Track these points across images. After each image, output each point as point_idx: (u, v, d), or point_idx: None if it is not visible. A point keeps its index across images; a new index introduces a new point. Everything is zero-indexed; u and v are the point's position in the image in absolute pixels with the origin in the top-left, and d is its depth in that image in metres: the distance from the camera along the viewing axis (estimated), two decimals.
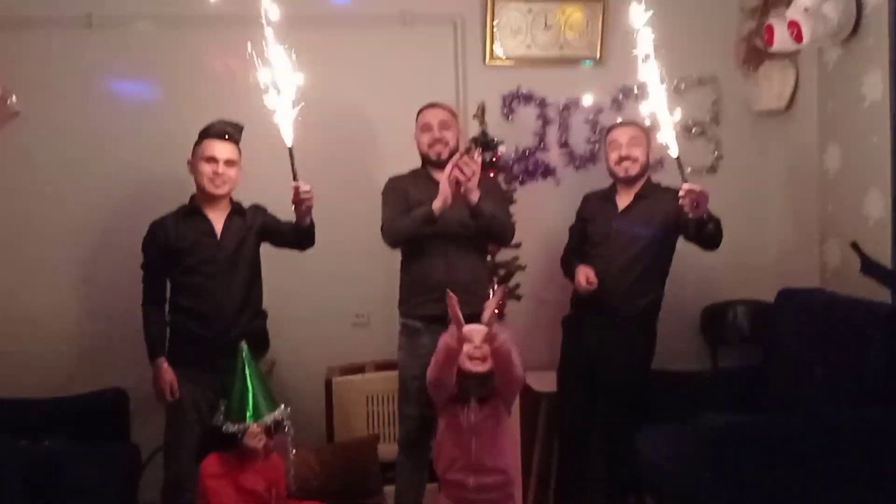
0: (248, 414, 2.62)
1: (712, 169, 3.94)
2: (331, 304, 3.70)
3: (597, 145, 3.83)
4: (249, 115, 2.82)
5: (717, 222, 2.83)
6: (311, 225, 2.89)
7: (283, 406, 2.70)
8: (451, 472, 2.67)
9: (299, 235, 2.93)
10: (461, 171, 2.77)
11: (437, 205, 2.84)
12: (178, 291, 2.90)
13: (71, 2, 3.50)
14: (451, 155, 2.94)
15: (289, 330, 3.48)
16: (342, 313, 3.72)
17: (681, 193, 2.69)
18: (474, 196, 2.83)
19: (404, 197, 3.03)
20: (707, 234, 2.85)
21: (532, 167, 3.83)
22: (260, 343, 2.95)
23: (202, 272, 2.86)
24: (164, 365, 2.82)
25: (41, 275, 3.55)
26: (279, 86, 2.49)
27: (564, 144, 3.85)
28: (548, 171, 3.85)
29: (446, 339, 2.64)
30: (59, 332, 3.55)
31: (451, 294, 2.62)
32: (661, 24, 2.63)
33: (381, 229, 3.03)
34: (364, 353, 3.64)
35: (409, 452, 3.05)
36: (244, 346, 2.68)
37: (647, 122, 2.91)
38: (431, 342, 2.90)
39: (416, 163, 3.16)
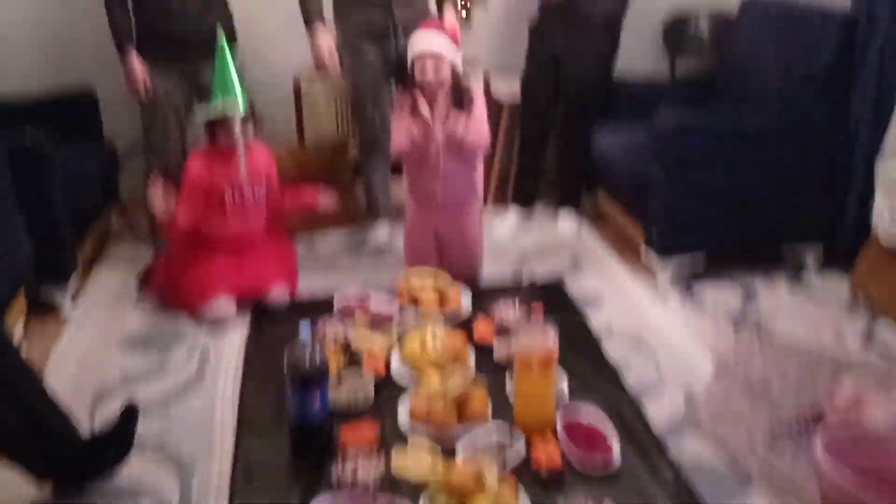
0: (227, 92, 2.64)
1: None
2: (288, 5, 3.60)
3: None
4: None
5: None
6: None
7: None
8: (419, 181, 2.78)
9: None
10: None
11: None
12: None
13: None
14: None
15: (250, 32, 3.43)
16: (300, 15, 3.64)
17: None
18: None
19: None
20: None
21: None
22: (228, 37, 2.92)
23: None
24: (134, 58, 2.81)
25: None
26: None
27: None
28: None
29: (415, 134, 2.61)
30: (20, 30, 3.44)
31: (418, 92, 2.58)
32: None
33: None
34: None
35: (370, 153, 3.22)
36: (221, 30, 2.66)
37: None
38: (376, 56, 2.92)
39: None
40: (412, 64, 2.64)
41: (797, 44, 3.01)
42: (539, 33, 3.30)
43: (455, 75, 2.64)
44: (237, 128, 2.65)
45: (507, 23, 3.72)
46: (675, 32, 3.89)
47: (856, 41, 2.84)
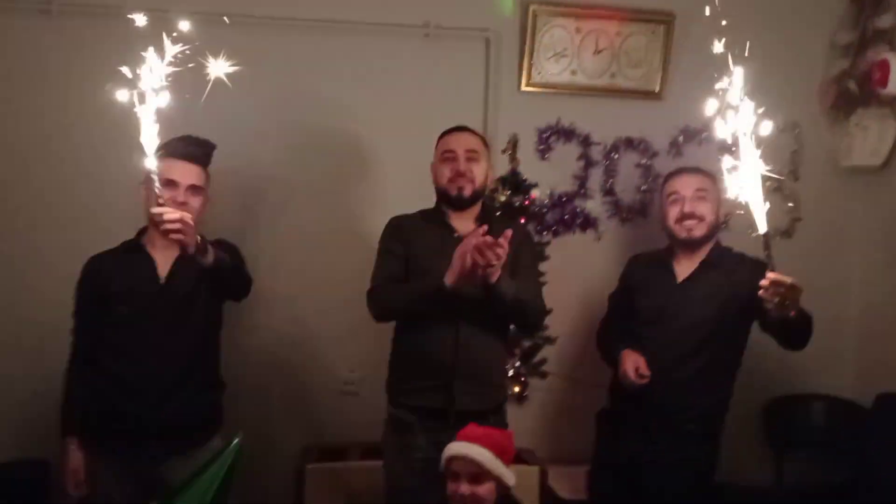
0: None
1: (787, 233, 3.27)
2: (315, 367, 3.05)
3: (649, 195, 3.18)
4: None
5: (808, 320, 2.15)
6: (217, 265, 2.09)
7: None
8: None
9: (213, 278, 2.17)
10: (481, 254, 2.06)
11: (449, 279, 2.13)
12: (104, 350, 2.24)
13: None
14: (474, 195, 2.35)
15: (259, 399, 2.89)
16: (328, 379, 3.07)
17: (763, 283, 1.93)
18: (493, 276, 2.12)
19: (404, 248, 2.36)
20: (791, 332, 2.18)
21: (569, 216, 3.17)
22: (206, 422, 2.29)
23: (136, 326, 2.20)
24: (73, 447, 2.18)
25: None
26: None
27: (609, 191, 3.20)
28: (588, 223, 3.18)
29: None
30: None
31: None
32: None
33: (368, 293, 2.35)
34: (350, 430, 2.98)
35: None
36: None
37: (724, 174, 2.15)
38: (428, 444, 2.21)
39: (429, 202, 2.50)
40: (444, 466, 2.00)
41: None
42: (610, 428, 2.57)
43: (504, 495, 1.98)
44: None
45: (571, 401, 3.05)
46: (780, 421, 3.14)
47: None
